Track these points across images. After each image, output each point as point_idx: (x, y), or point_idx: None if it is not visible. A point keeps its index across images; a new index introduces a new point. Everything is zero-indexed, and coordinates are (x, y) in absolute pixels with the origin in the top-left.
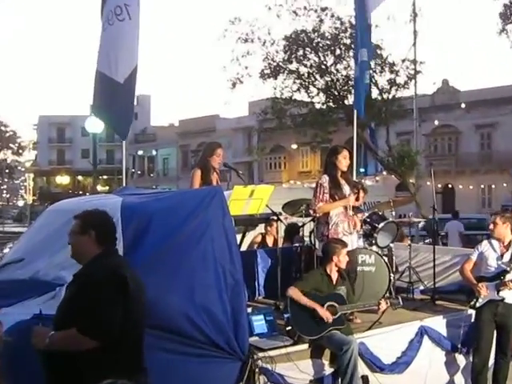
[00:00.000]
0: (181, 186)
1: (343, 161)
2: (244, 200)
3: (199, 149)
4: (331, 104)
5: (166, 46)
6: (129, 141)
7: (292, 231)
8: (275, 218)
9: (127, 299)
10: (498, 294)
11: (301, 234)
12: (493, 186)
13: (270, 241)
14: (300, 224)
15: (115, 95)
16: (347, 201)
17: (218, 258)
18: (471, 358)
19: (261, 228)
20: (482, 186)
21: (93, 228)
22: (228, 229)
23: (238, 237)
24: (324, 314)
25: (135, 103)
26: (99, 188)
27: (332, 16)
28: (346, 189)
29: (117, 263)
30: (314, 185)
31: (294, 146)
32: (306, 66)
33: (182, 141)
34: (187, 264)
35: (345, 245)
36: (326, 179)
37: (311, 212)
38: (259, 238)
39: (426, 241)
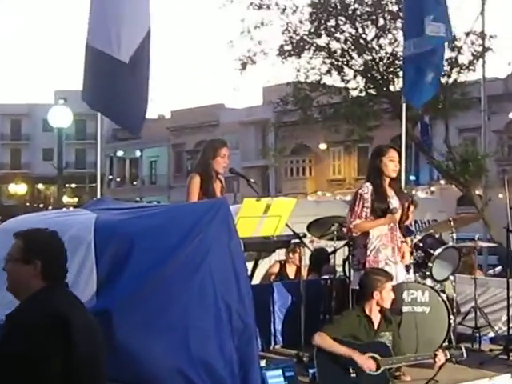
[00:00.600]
0: (173, 197)
1: (390, 164)
2: (257, 217)
3: (197, 149)
4: (372, 91)
5: (156, 14)
6: (105, 139)
7: (320, 259)
8: (298, 241)
9: (70, 350)
10: None
11: (331, 262)
12: None
13: (290, 271)
14: (330, 250)
15: (117, 78)
16: (393, 218)
17: (220, 295)
18: None
19: (279, 255)
20: None
21: (39, 256)
22: (235, 255)
23: (249, 266)
24: (365, 363)
25: None
26: (65, 200)
27: None
28: (394, 202)
29: (61, 301)
30: (348, 197)
31: (323, 146)
32: (338, 40)
33: (174, 138)
34: (180, 302)
35: (389, 277)
36: (368, 189)
37: (345, 232)
38: (277, 268)
39: (497, 272)
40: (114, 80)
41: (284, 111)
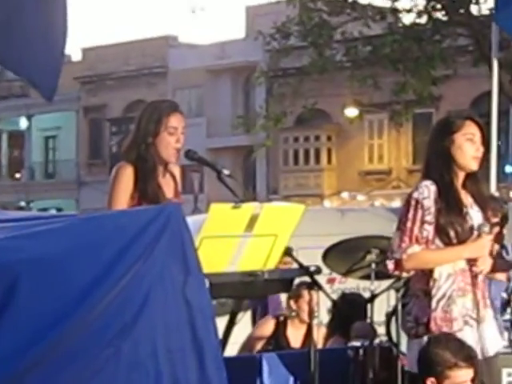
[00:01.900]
0: (85, 201)
1: (468, 147)
2: (234, 238)
3: (129, 116)
4: (440, 14)
5: None
6: None
7: (347, 312)
8: (307, 280)
9: None
10: None
11: (368, 318)
12: None
13: (294, 334)
14: (366, 296)
15: (20, 16)
16: (480, 247)
17: (170, 378)
18: None
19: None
20: None
21: None
22: (196, 306)
23: (221, 324)
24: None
25: None
26: None
27: None
28: (475, 215)
29: None
30: (396, 203)
31: (352, 113)
32: None
33: (88, 96)
34: None
35: (470, 355)
36: (429, 191)
37: (390, 268)
38: (270, 328)
39: None
40: (12, 15)
41: (283, 50)
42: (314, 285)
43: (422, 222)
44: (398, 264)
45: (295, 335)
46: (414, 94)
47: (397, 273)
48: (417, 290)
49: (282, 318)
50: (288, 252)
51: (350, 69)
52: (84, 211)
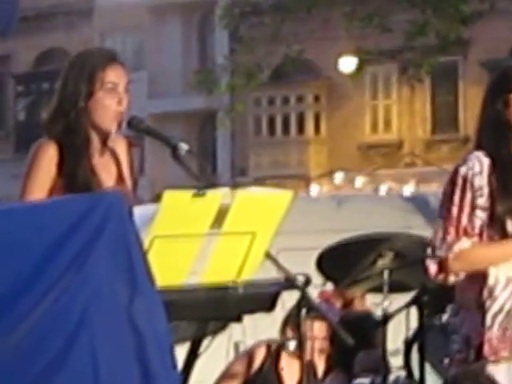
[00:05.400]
0: None
1: None
2: (197, 237)
3: (41, 70)
4: None
5: None
6: None
7: (349, 340)
8: (301, 298)
9: None
10: None
11: (378, 346)
12: None
13: (290, 369)
14: (376, 315)
15: None
16: None
17: None
18: None
19: (255, 326)
20: None
21: None
22: (145, 334)
23: (180, 353)
24: None
25: None
26: None
27: None
28: None
29: None
30: (411, 187)
31: (348, 62)
32: None
33: None
34: None
35: None
36: (482, 165)
37: (432, 271)
38: (258, 358)
39: None
40: None
41: None
42: (304, 302)
43: (473, 208)
44: (443, 264)
45: (290, 371)
46: (437, 38)
47: (441, 277)
48: (467, 299)
49: (273, 347)
50: (272, 258)
51: (348, 4)
52: None
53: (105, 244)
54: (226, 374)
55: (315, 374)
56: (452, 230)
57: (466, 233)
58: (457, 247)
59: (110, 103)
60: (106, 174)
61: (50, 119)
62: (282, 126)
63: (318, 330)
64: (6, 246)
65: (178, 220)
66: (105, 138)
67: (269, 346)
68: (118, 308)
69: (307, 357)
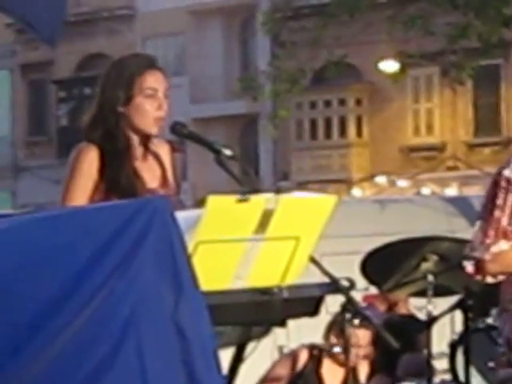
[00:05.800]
0: (24, 194)
1: None
2: (241, 242)
3: (83, 76)
4: None
5: None
6: None
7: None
8: (346, 301)
9: None
10: None
11: (423, 349)
12: None
13: (331, 374)
14: (422, 319)
15: None
16: None
17: None
18: None
19: (299, 331)
20: None
21: None
22: (190, 337)
23: (225, 357)
24: None
25: None
26: None
27: None
28: None
29: None
30: (453, 190)
31: (390, 66)
32: None
33: (26, 51)
34: None
35: None
36: None
37: (469, 271)
38: (300, 362)
39: None
40: None
41: None
42: (350, 306)
43: None
44: (480, 266)
45: (332, 376)
46: (479, 41)
47: (479, 277)
48: (507, 301)
49: (316, 352)
50: (316, 263)
51: (390, 8)
52: (23, 207)
53: (150, 248)
54: (268, 377)
55: (357, 379)
56: (491, 232)
57: (505, 235)
58: (494, 249)
59: (150, 109)
60: (150, 176)
61: (90, 124)
62: (324, 130)
63: (362, 337)
64: (53, 250)
65: (222, 225)
66: (146, 141)
67: (311, 350)
68: (163, 312)
69: (351, 363)
